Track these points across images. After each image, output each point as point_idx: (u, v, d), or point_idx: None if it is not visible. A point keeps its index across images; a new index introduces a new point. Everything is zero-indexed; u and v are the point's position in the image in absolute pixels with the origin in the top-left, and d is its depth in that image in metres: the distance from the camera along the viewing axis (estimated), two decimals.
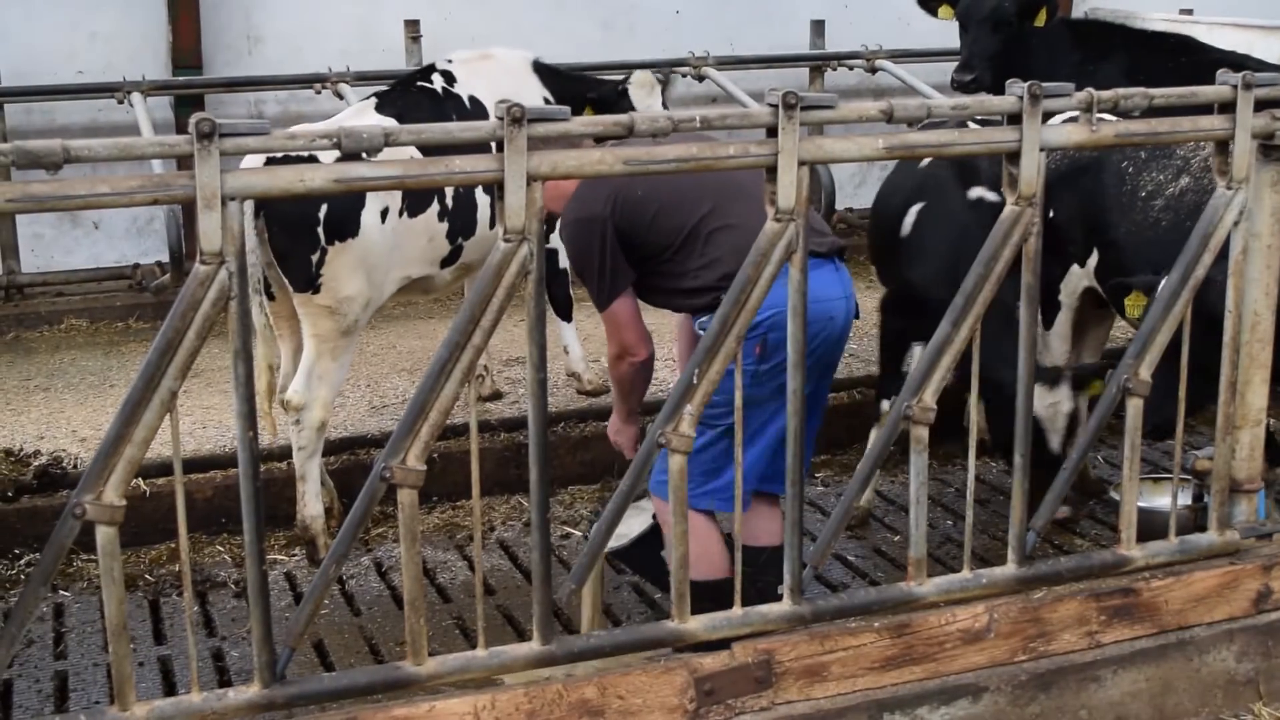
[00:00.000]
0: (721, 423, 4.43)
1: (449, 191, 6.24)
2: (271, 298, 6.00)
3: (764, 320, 4.27)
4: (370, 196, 5.88)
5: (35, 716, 4.80)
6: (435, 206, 6.22)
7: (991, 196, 5.77)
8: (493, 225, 6.27)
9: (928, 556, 4.15)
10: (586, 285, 4.76)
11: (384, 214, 5.97)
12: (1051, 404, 5.54)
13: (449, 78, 6.71)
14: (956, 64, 8.13)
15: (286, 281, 5.89)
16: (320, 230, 5.78)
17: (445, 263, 6.40)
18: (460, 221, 6.35)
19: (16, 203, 3.20)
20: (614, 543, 4.85)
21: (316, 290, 5.84)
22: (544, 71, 7.11)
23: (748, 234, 4.34)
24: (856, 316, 4.80)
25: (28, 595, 3.43)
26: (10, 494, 6.21)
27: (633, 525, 5.03)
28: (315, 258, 5.80)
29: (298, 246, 5.80)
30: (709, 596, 4.30)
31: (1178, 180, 5.74)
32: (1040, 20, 7.91)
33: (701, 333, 4.52)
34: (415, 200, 6.13)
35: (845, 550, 6.13)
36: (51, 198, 3.22)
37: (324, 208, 5.79)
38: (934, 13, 8.43)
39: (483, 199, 6.36)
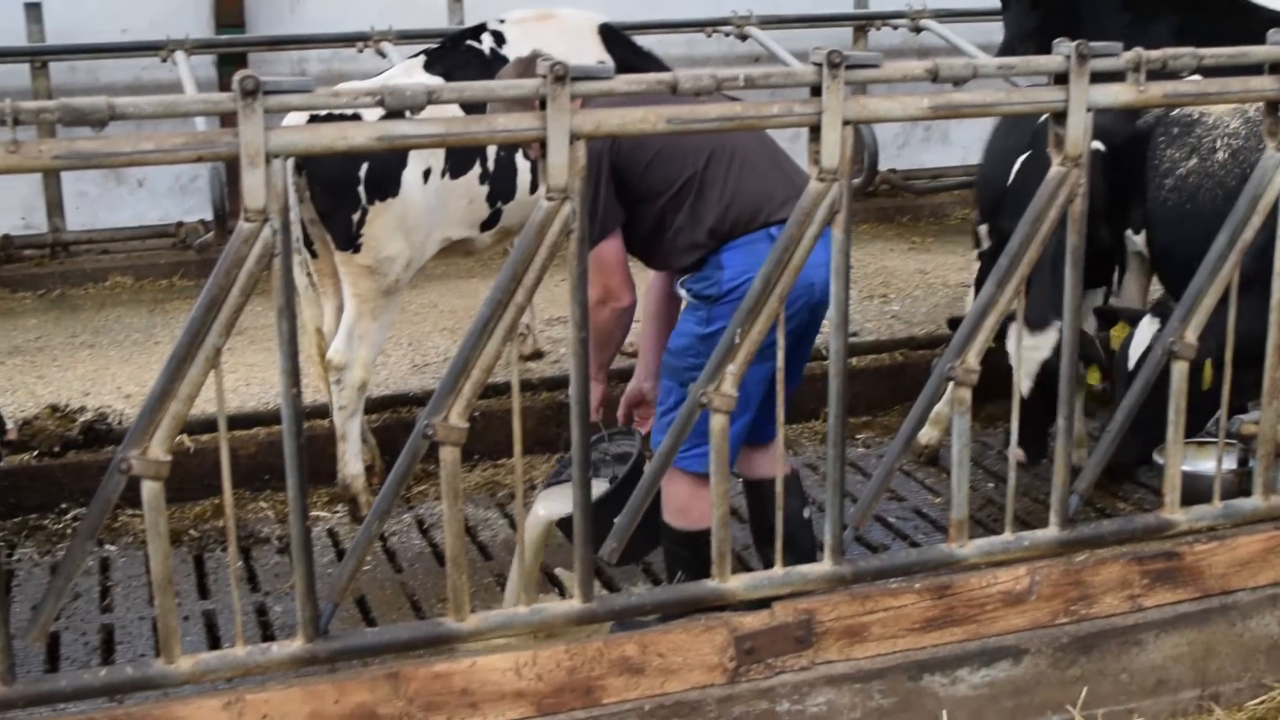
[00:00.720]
0: None
1: (491, 154, 6.23)
2: (315, 255, 6.02)
3: (740, 285, 4.36)
4: (412, 156, 5.88)
5: (82, 668, 4.86)
6: (477, 169, 6.21)
7: (1096, 145, 5.70)
8: (533, 190, 6.30)
9: (969, 519, 4.14)
10: None
11: (426, 174, 5.96)
12: (1030, 347, 5.54)
13: (498, 38, 6.63)
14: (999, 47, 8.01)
15: (329, 239, 5.91)
16: (361, 189, 5.79)
17: (485, 226, 6.39)
18: (501, 185, 6.33)
19: (63, 159, 3.21)
20: (559, 510, 4.85)
21: (357, 250, 5.85)
22: (611, 38, 6.86)
23: (739, 196, 4.52)
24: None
25: (74, 549, 3.47)
26: (56, 449, 6.27)
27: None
28: (356, 217, 5.81)
29: (339, 205, 5.82)
30: (687, 545, 4.63)
31: (1188, 161, 5.71)
32: None
33: (683, 292, 4.66)
34: (457, 162, 6.12)
35: (886, 512, 6.12)
36: (97, 155, 3.23)
37: (365, 167, 5.79)
38: None
39: (523, 164, 6.33)
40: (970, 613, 4.08)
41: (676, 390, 4.59)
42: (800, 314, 4.54)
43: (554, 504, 4.94)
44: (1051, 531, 4.21)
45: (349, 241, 5.85)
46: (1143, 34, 7.09)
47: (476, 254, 6.89)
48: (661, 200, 4.61)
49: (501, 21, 6.72)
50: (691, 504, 4.67)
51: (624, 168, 4.58)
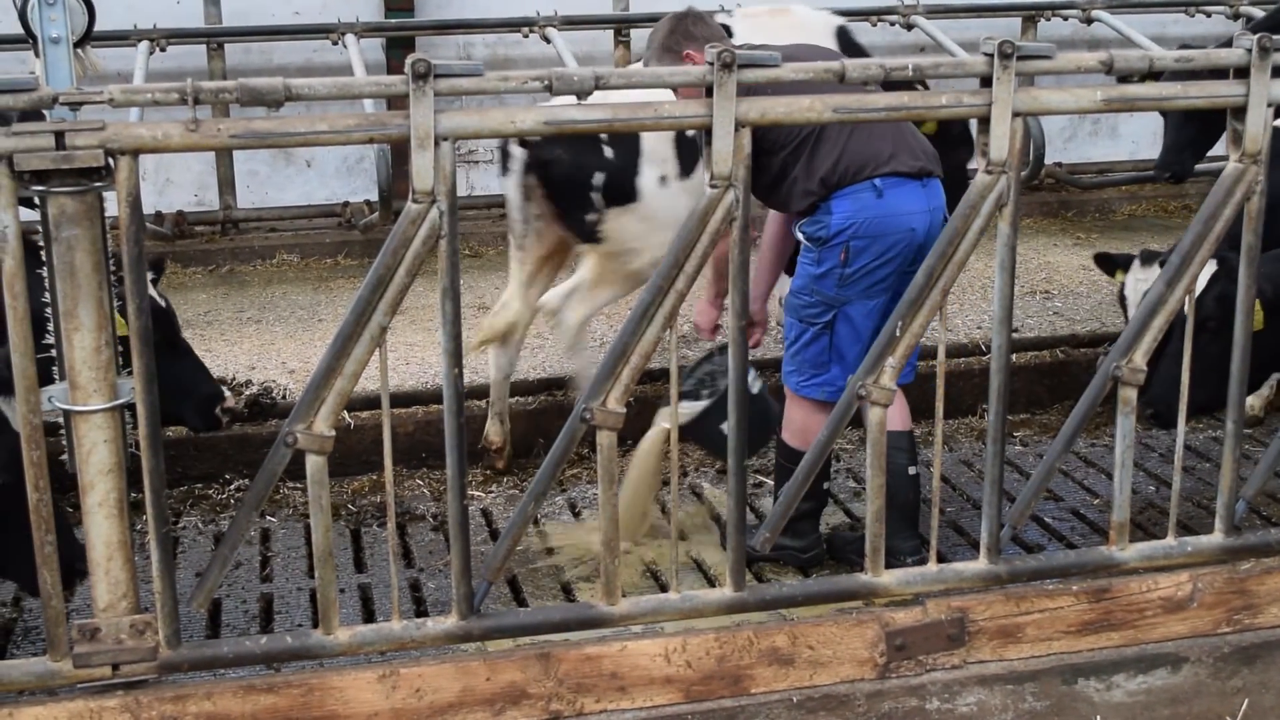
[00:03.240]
0: (819, 320, 5.04)
1: None
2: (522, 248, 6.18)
3: (846, 229, 4.91)
4: (645, 164, 5.97)
5: (242, 635, 4.98)
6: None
7: None
8: None
9: (1129, 522, 4.05)
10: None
11: (662, 180, 6.04)
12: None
13: (726, 32, 6.61)
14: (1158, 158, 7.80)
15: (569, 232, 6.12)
16: (595, 195, 5.98)
17: None
18: None
19: (240, 138, 3.29)
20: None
21: (599, 242, 6.01)
22: (848, 41, 6.69)
23: (850, 151, 4.93)
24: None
25: (240, 520, 3.56)
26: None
27: (694, 408, 5.38)
28: (592, 218, 6.02)
29: (574, 209, 6.02)
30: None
31: None
32: None
33: (800, 236, 5.09)
34: (687, 163, 6.15)
35: (1042, 511, 6.01)
36: (273, 134, 3.31)
37: (599, 176, 5.95)
38: None
39: None
40: (1129, 618, 4.00)
41: (797, 326, 5.13)
42: (904, 254, 4.96)
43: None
44: (1216, 538, 4.11)
45: (589, 236, 6.06)
46: None
47: None
48: (783, 153, 4.97)
49: (729, 14, 6.65)
50: (809, 426, 5.12)
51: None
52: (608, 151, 5.95)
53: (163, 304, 4.86)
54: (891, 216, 4.88)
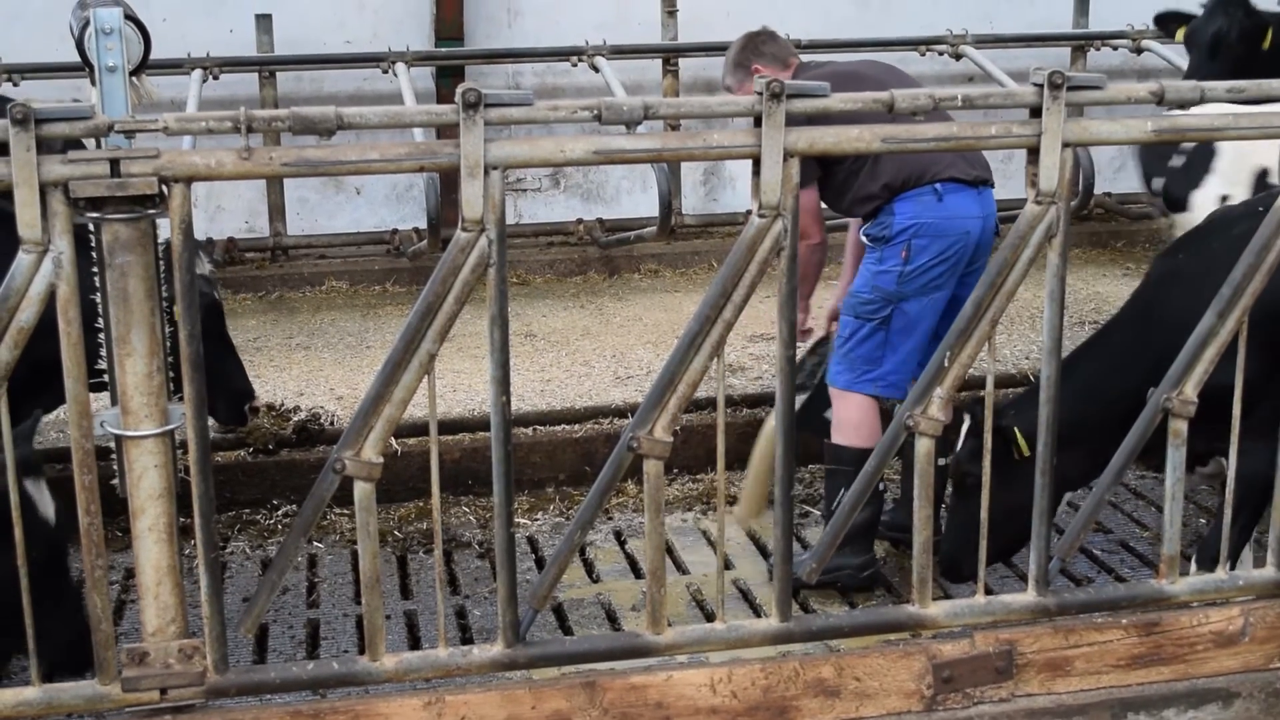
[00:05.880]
0: (877, 315, 5.35)
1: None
2: None
3: (908, 229, 5.31)
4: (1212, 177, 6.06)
5: (288, 660, 5.00)
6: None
7: None
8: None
9: (1179, 555, 4.02)
10: None
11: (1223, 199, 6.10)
12: None
13: None
14: None
15: None
16: (1159, 201, 6.15)
17: None
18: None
19: (291, 166, 3.31)
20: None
21: None
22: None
23: (911, 158, 5.27)
24: (997, 233, 5.47)
25: (288, 545, 3.57)
26: (270, 447, 6.47)
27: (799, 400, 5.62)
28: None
29: None
30: (858, 462, 4.75)
31: None
32: (1267, 43, 7.57)
33: (863, 239, 5.47)
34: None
35: (1091, 544, 5.98)
36: (324, 162, 3.33)
37: (1157, 182, 6.15)
38: (1172, 35, 8.20)
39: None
40: (1179, 652, 3.96)
41: (852, 323, 5.43)
42: (960, 255, 5.35)
43: None
44: (1269, 572, 4.06)
45: None
46: None
47: None
48: (849, 161, 5.35)
49: None
50: (863, 422, 5.43)
51: None
52: (1176, 161, 6.04)
53: (216, 297, 4.95)
54: (950, 219, 5.30)
